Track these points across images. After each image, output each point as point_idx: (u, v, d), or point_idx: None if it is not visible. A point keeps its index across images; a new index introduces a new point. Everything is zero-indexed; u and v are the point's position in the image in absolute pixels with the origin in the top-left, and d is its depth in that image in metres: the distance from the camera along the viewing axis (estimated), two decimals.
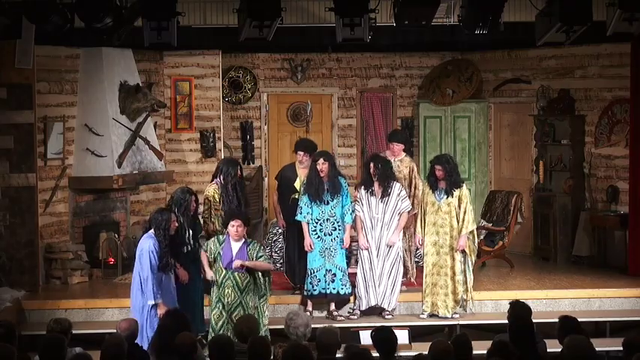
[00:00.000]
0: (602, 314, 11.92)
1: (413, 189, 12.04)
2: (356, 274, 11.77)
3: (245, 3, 10.09)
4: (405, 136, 12.66)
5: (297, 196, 11.78)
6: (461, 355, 7.34)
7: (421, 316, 11.74)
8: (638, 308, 12.02)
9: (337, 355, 7.66)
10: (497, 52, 15.48)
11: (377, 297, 11.62)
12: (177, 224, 10.47)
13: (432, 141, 15.81)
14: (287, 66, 15.97)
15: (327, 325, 9.42)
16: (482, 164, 15.73)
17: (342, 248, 11.59)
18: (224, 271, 10.31)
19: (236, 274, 10.28)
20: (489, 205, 14.31)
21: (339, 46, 12.92)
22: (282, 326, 8.68)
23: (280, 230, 12.82)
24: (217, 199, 11.44)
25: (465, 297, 11.68)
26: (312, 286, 11.55)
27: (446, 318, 11.63)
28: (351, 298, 11.81)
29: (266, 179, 15.83)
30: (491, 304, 12.04)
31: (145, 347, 8.75)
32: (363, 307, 11.67)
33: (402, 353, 8.98)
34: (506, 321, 8.29)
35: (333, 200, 11.51)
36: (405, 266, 12.01)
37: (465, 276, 11.67)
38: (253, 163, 15.82)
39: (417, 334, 11.01)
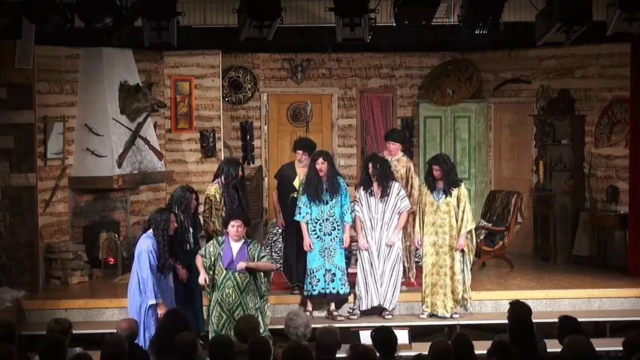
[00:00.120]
0: (602, 314, 11.92)
1: (409, 188, 12.03)
2: (356, 274, 11.77)
3: (245, 3, 10.09)
4: (402, 135, 12.63)
5: (296, 195, 11.78)
6: (461, 355, 7.34)
7: (421, 316, 11.74)
8: (638, 308, 12.02)
9: (340, 355, 7.65)
10: (497, 52, 15.48)
11: (379, 297, 11.62)
12: (176, 225, 10.46)
13: (432, 141, 15.81)
14: (287, 66, 15.97)
15: (327, 325, 9.43)
16: (482, 164, 15.73)
17: (341, 248, 11.59)
18: (224, 272, 10.28)
19: (237, 274, 10.27)
20: (489, 205, 14.31)
21: (339, 46, 12.92)
22: (282, 326, 8.68)
23: (280, 230, 12.82)
24: (218, 199, 11.45)
25: (464, 296, 11.68)
26: (312, 286, 11.55)
27: (446, 318, 11.63)
28: (350, 298, 11.80)
29: (266, 179, 15.83)
30: (491, 304, 12.04)
31: (146, 347, 8.75)
32: (364, 308, 11.67)
33: (402, 353, 8.97)
34: (506, 321, 8.29)
35: (332, 200, 11.51)
36: (403, 266, 12.00)
37: (464, 275, 11.67)
38: (253, 163, 15.83)
39: (417, 334, 11.01)
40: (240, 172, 11.51)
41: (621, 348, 7.65)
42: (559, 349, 7.52)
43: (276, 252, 13.10)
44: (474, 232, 11.87)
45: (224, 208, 11.46)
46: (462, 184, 11.80)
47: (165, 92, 14.86)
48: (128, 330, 8.18)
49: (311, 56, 15.93)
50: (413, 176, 12.16)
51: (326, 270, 11.53)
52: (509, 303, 8.41)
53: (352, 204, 11.67)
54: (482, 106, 15.72)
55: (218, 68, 15.06)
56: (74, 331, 8.55)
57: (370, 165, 11.59)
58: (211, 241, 10.54)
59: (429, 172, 11.66)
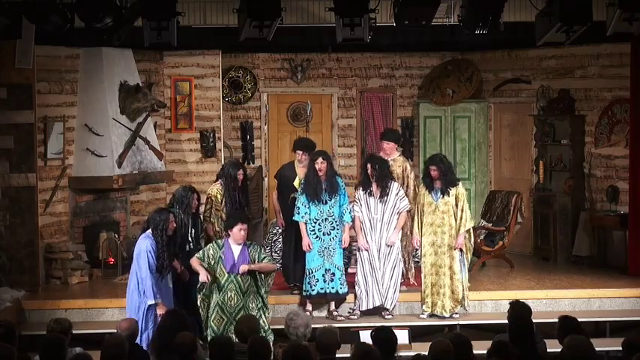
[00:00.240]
0: (602, 314, 11.92)
1: (405, 188, 12.02)
2: (356, 274, 11.76)
3: (245, 3, 10.09)
4: (396, 135, 12.57)
5: (296, 195, 11.77)
6: (460, 356, 7.34)
7: (421, 316, 11.74)
8: (638, 308, 12.02)
9: (344, 355, 7.65)
10: (497, 52, 15.48)
11: (381, 297, 11.62)
12: (175, 224, 10.47)
13: (432, 141, 15.81)
14: (287, 66, 15.97)
15: (327, 325, 9.42)
16: (482, 164, 15.73)
17: (340, 248, 11.59)
18: (226, 275, 10.27)
19: (239, 277, 10.26)
20: (489, 205, 14.31)
21: (339, 46, 12.92)
22: (282, 326, 8.68)
23: (280, 230, 12.82)
24: (219, 200, 11.48)
25: (464, 295, 11.69)
26: (311, 286, 11.54)
27: (446, 318, 11.63)
28: (350, 298, 11.80)
29: (266, 179, 15.83)
30: (491, 304, 12.04)
31: (145, 347, 8.75)
32: (364, 308, 11.66)
33: (402, 353, 8.98)
34: (506, 321, 8.29)
35: (331, 200, 11.51)
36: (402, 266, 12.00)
37: (462, 275, 11.68)
38: (253, 163, 15.82)
39: (417, 334, 11.01)
40: (239, 175, 11.49)
41: (621, 348, 7.65)
42: (559, 349, 7.51)
43: (276, 252, 13.10)
44: (472, 231, 11.88)
45: (224, 209, 11.48)
46: (460, 183, 11.81)
47: (165, 92, 14.86)
48: (128, 330, 8.18)
49: (311, 56, 15.93)
50: (409, 176, 12.15)
51: (325, 270, 11.53)
52: (509, 303, 8.40)
53: (351, 204, 11.67)
54: (482, 106, 15.72)
55: (218, 68, 15.06)
56: (74, 331, 8.55)
57: (369, 166, 11.59)
58: (211, 244, 10.51)
59: (427, 172, 11.67)
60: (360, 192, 11.66)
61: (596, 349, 7.63)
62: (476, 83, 15.69)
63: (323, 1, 11.30)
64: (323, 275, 11.53)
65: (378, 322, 10.82)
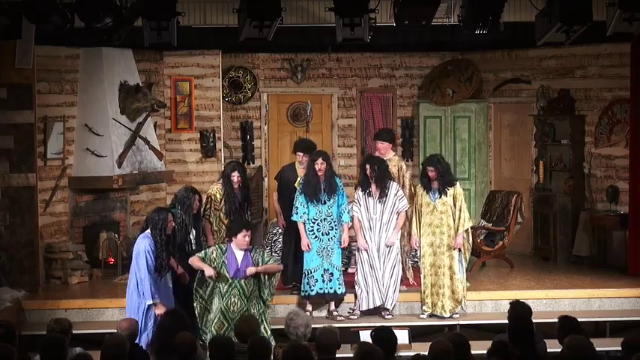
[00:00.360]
0: (602, 314, 11.92)
1: (401, 187, 12.01)
2: (355, 274, 11.76)
3: (245, 3, 10.09)
4: (390, 134, 12.51)
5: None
6: (458, 356, 7.34)
7: (421, 316, 11.74)
8: (638, 308, 12.02)
9: (344, 355, 7.65)
10: (497, 52, 15.48)
11: (381, 297, 11.62)
12: (174, 224, 10.47)
13: (432, 141, 15.81)
14: (287, 66, 15.97)
15: (327, 325, 9.43)
16: (482, 164, 15.73)
17: (339, 248, 11.59)
18: (230, 281, 10.24)
19: (243, 282, 10.22)
20: (489, 205, 14.31)
21: (339, 46, 12.92)
22: (282, 326, 8.68)
23: (280, 230, 12.83)
24: (218, 199, 11.50)
25: (463, 295, 11.69)
26: (310, 287, 11.54)
27: (446, 318, 11.62)
28: (350, 298, 11.80)
29: (266, 179, 15.84)
30: (491, 304, 12.04)
31: (144, 347, 8.75)
32: (365, 308, 11.66)
33: (402, 353, 8.98)
34: (507, 321, 8.28)
35: (329, 200, 11.51)
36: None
37: (461, 274, 11.69)
38: (253, 163, 15.82)
39: (417, 334, 11.01)
40: (233, 176, 11.47)
41: (620, 348, 7.65)
42: (559, 349, 7.51)
43: (276, 252, 13.10)
44: (470, 231, 11.87)
45: (223, 209, 11.49)
46: (458, 183, 11.81)
47: (165, 92, 14.86)
48: (129, 330, 8.18)
49: (311, 56, 15.93)
50: (405, 175, 12.13)
51: (324, 270, 11.53)
52: (510, 303, 8.40)
53: (351, 204, 11.68)
54: (482, 106, 15.72)
55: (218, 68, 15.06)
56: (74, 331, 8.55)
57: (368, 166, 11.58)
58: (214, 248, 10.45)
59: (424, 173, 11.66)
60: (359, 192, 11.66)
61: (596, 349, 7.62)
62: (476, 83, 15.69)
63: (323, 1, 11.30)
64: (322, 275, 11.53)
65: (378, 322, 10.82)
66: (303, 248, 11.55)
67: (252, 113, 15.99)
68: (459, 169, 15.65)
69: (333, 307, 11.72)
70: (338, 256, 11.62)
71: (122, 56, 13.74)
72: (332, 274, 11.56)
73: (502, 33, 10.34)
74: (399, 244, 11.74)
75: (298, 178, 11.89)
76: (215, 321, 10.23)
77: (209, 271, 10.20)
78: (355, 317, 11.68)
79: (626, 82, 13.31)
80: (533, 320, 8.27)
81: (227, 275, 10.21)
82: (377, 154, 12.08)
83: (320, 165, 11.44)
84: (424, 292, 11.70)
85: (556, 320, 8.18)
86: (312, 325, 8.55)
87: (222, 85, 15.36)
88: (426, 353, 7.37)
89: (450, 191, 11.60)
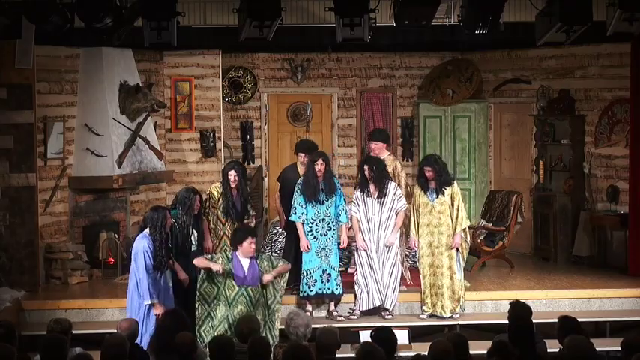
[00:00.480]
0: (602, 314, 11.92)
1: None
2: (355, 274, 11.76)
3: (245, 3, 10.09)
4: (384, 135, 12.47)
5: None
6: (459, 355, 7.34)
7: (421, 316, 11.74)
8: (638, 308, 12.02)
9: (344, 355, 7.64)
10: (497, 52, 15.48)
11: (381, 297, 11.62)
12: (172, 221, 10.47)
13: (432, 141, 15.81)
14: (287, 66, 15.98)
15: (327, 325, 9.43)
16: (482, 164, 15.73)
17: (336, 248, 11.59)
18: (236, 288, 10.19)
19: (250, 289, 10.18)
20: (489, 205, 14.30)
21: (339, 46, 12.92)
22: (282, 326, 8.67)
23: (280, 230, 12.83)
24: (216, 197, 11.53)
25: (461, 295, 11.69)
26: (309, 287, 11.54)
27: (446, 318, 11.62)
28: (350, 298, 11.80)
29: (266, 179, 15.84)
30: (491, 304, 12.04)
31: (145, 347, 8.74)
32: (365, 308, 11.66)
33: (402, 353, 8.97)
34: (507, 321, 8.28)
35: (328, 200, 11.51)
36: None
37: (460, 274, 11.69)
38: (253, 163, 15.82)
39: (417, 334, 11.00)
40: (229, 175, 11.47)
41: (620, 348, 7.65)
42: (559, 349, 7.51)
43: (276, 252, 13.10)
44: (468, 230, 11.86)
45: (221, 207, 11.49)
46: (455, 182, 11.81)
47: (165, 92, 14.86)
48: (129, 330, 8.18)
49: (311, 56, 15.93)
50: (400, 174, 12.12)
51: (322, 270, 11.53)
52: (510, 303, 8.40)
53: (349, 205, 11.68)
54: (482, 106, 15.72)
55: (218, 68, 15.06)
56: (74, 331, 8.54)
57: (366, 167, 11.58)
58: (220, 254, 10.42)
59: (421, 173, 11.65)
60: (358, 193, 11.66)
61: (596, 349, 7.62)
62: (476, 83, 15.69)
63: (323, 1, 11.30)
64: (320, 276, 11.53)
65: (378, 322, 10.82)
66: (301, 248, 11.55)
67: (252, 113, 15.99)
68: (459, 169, 15.66)
69: (333, 307, 11.72)
70: (336, 257, 11.62)
71: (122, 56, 13.74)
72: (330, 274, 11.56)
73: (502, 33, 10.34)
74: (398, 243, 11.74)
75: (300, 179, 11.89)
76: (219, 327, 10.15)
77: (216, 267, 10.11)
78: (355, 317, 11.68)
79: (626, 82, 13.31)
80: (533, 320, 8.27)
81: (234, 283, 10.18)
82: (371, 154, 12.08)
83: (320, 166, 11.44)
84: (424, 293, 11.70)
85: (556, 320, 8.18)
86: (312, 325, 8.55)
87: (222, 85, 15.36)
88: (426, 353, 7.37)
89: (448, 191, 11.60)
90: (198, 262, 10.32)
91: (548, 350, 8.27)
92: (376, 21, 10.27)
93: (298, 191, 11.56)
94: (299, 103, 15.97)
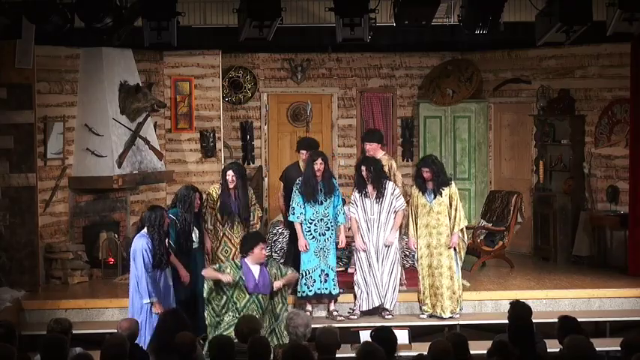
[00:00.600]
0: (602, 314, 11.92)
1: None
2: (355, 274, 11.76)
3: (245, 3, 10.09)
4: (378, 135, 12.42)
5: None
6: (459, 355, 7.34)
7: (421, 316, 11.73)
8: (638, 308, 12.02)
9: (344, 355, 7.64)
10: (497, 52, 15.48)
11: (380, 297, 11.61)
12: (169, 220, 10.48)
13: (432, 141, 15.81)
14: (287, 66, 15.98)
15: (326, 325, 9.42)
16: (482, 164, 15.73)
17: (334, 248, 11.58)
18: (247, 296, 10.13)
19: (260, 296, 10.13)
20: (489, 205, 14.31)
21: (339, 46, 12.92)
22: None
23: (280, 230, 12.83)
24: (214, 198, 11.52)
25: (460, 294, 11.69)
26: (308, 288, 11.52)
27: (446, 318, 11.62)
28: (350, 298, 11.80)
29: (266, 179, 15.84)
30: (491, 304, 12.04)
31: (146, 348, 8.74)
32: (365, 308, 11.66)
33: (402, 353, 8.98)
34: (507, 321, 8.28)
35: (326, 200, 11.51)
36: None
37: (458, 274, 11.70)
38: (253, 163, 15.83)
39: (417, 334, 11.00)
40: (228, 175, 11.46)
41: (620, 348, 7.65)
42: (559, 349, 7.51)
43: (276, 252, 13.09)
44: (465, 230, 11.86)
45: (218, 208, 11.48)
46: (453, 182, 11.80)
47: (165, 92, 14.86)
48: (129, 330, 8.18)
49: (311, 56, 15.93)
50: (395, 174, 12.11)
51: (321, 271, 11.53)
52: (510, 303, 8.40)
53: (347, 205, 11.67)
54: (482, 106, 15.72)
55: (218, 68, 15.07)
56: (74, 331, 8.54)
57: (364, 168, 11.57)
58: (228, 264, 10.35)
59: (419, 174, 11.64)
60: (356, 194, 11.65)
61: (596, 349, 7.62)
62: (476, 83, 15.69)
63: (323, 1, 11.30)
64: (319, 276, 11.53)
65: (378, 322, 10.81)
66: (300, 249, 11.54)
67: (252, 113, 15.99)
68: (459, 169, 15.66)
69: (333, 307, 11.72)
70: (333, 257, 11.62)
71: (122, 56, 13.74)
72: (327, 274, 11.56)
73: (502, 33, 10.34)
74: (397, 243, 11.73)
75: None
76: (225, 334, 10.09)
77: (226, 278, 10.05)
78: (355, 317, 11.68)
79: (626, 82, 13.31)
80: (533, 320, 8.27)
81: (244, 291, 10.15)
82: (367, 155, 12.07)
83: (319, 165, 11.44)
84: (423, 294, 11.69)
85: (556, 320, 8.18)
86: (312, 325, 8.54)
87: (222, 85, 15.36)
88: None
89: (446, 191, 11.59)
90: (207, 273, 10.26)
91: (548, 350, 8.27)
92: (376, 21, 10.27)
93: (297, 191, 11.55)
94: (299, 103, 15.97)
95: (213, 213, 11.53)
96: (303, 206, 11.48)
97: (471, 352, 7.62)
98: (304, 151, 11.91)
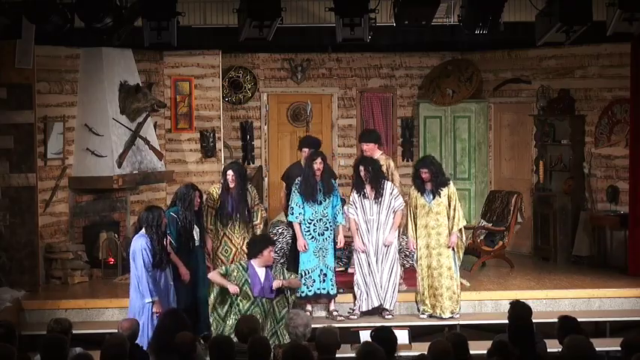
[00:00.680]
0: (602, 314, 11.92)
1: None
2: (354, 274, 11.76)
3: (245, 3, 10.09)
4: (374, 135, 12.40)
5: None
6: (459, 355, 7.34)
7: (421, 316, 11.73)
8: (638, 308, 12.02)
9: (344, 355, 7.63)
10: (497, 52, 15.48)
11: (379, 298, 11.61)
12: (167, 220, 10.48)
13: (432, 141, 15.81)
14: (287, 66, 15.98)
15: (327, 325, 9.42)
16: (482, 164, 15.73)
17: (333, 248, 11.58)
18: (253, 299, 10.18)
19: (264, 300, 10.17)
20: (489, 205, 14.31)
21: (339, 46, 12.92)
22: None
23: (280, 230, 12.83)
24: (215, 197, 11.52)
25: (458, 294, 11.69)
26: (307, 288, 11.52)
27: (446, 318, 11.62)
28: (349, 298, 11.80)
29: (266, 179, 15.84)
30: (491, 304, 12.03)
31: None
32: (364, 309, 11.66)
33: (402, 353, 8.98)
34: (507, 321, 8.28)
35: (325, 200, 11.51)
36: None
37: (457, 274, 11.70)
38: (253, 163, 15.82)
39: (417, 334, 11.00)
40: (228, 174, 11.46)
41: (620, 348, 7.65)
42: (559, 349, 7.51)
43: (276, 252, 13.07)
44: (464, 230, 11.85)
45: (217, 207, 11.49)
46: (451, 182, 11.80)
47: (165, 92, 14.86)
48: (130, 330, 8.18)
49: (311, 56, 15.93)
50: (393, 173, 12.11)
51: (320, 270, 11.53)
52: (510, 303, 8.40)
53: (346, 206, 11.66)
54: (482, 106, 15.72)
55: (218, 68, 15.06)
56: (74, 331, 8.54)
57: (362, 168, 11.56)
58: (235, 266, 10.38)
59: (417, 175, 11.64)
60: (354, 195, 11.65)
61: (596, 349, 7.62)
62: (476, 83, 15.69)
63: (323, 1, 11.30)
64: (319, 276, 11.53)
65: (378, 322, 10.81)
66: (299, 249, 11.54)
67: (252, 113, 15.99)
68: (459, 169, 15.66)
69: (333, 306, 11.72)
70: (331, 257, 11.61)
71: (122, 56, 13.74)
72: (326, 274, 11.55)
73: (502, 33, 10.34)
74: (396, 243, 11.73)
75: None
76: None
77: (233, 289, 10.12)
78: (355, 317, 11.68)
79: (626, 82, 13.31)
80: (533, 320, 8.27)
81: (250, 293, 10.15)
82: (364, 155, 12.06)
83: (319, 165, 11.44)
84: (423, 294, 11.68)
85: (556, 320, 8.18)
86: (312, 325, 8.55)
87: (222, 85, 15.36)
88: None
89: (444, 191, 11.58)
90: (213, 277, 10.31)
91: (548, 350, 8.28)
92: (376, 21, 10.27)
93: (296, 191, 11.55)
94: (299, 103, 15.97)
95: (214, 212, 11.53)
96: (302, 206, 11.48)
97: (471, 352, 7.62)
98: (307, 150, 11.90)
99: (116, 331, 8.35)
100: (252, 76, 15.87)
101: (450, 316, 11.62)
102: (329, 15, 10.20)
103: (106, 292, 12.49)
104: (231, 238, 11.49)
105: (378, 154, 12.05)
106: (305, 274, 11.51)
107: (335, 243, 11.64)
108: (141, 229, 10.33)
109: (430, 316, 11.68)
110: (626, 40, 12.64)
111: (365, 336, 9.85)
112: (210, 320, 10.33)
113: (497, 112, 15.69)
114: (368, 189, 11.58)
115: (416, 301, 11.76)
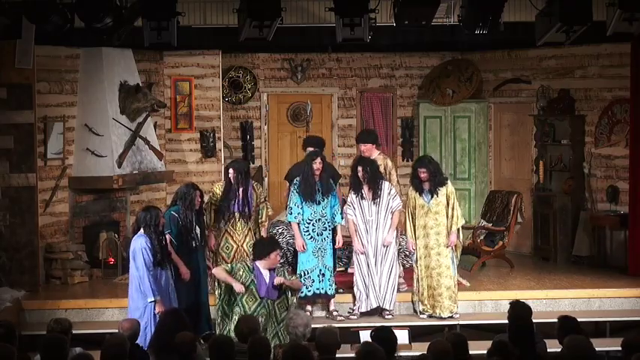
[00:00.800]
0: (602, 314, 11.92)
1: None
2: (354, 274, 11.76)
3: (245, 3, 10.09)
4: (372, 135, 12.38)
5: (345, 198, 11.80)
6: (459, 355, 7.34)
7: (421, 316, 11.73)
8: (638, 308, 12.02)
9: (344, 355, 7.63)
10: (497, 52, 15.48)
11: (378, 299, 11.61)
12: (164, 220, 10.48)
13: (432, 141, 15.81)
14: (287, 66, 15.98)
15: (327, 325, 9.42)
16: (482, 164, 15.73)
17: (331, 248, 11.57)
18: (258, 300, 10.16)
19: (269, 301, 10.18)
20: (489, 205, 14.30)
21: (339, 46, 12.92)
22: None
23: (281, 230, 12.82)
24: (217, 194, 11.53)
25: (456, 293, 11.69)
26: (307, 288, 11.50)
27: (445, 318, 11.62)
28: (349, 298, 11.80)
29: (266, 179, 15.84)
30: (491, 304, 12.03)
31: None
32: (364, 310, 11.66)
33: (402, 353, 8.98)
34: (507, 321, 8.28)
35: (324, 200, 11.51)
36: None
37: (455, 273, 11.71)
38: (253, 163, 15.82)
39: (417, 334, 11.00)
40: (230, 172, 11.47)
41: (620, 348, 7.65)
42: (559, 349, 7.51)
43: None
44: (461, 229, 11.85)
45: (219, 204, 11.50)
46: (449, 181, 11.80)
47: (165, 92, 14.86)
48: (130, 330, 8.18)
49: (311, 56, 15.93)
50: (391, 172, 12.11)
51: (319, 271, 11.52)
52: (509, 303, 8.40)
53: (345, 206, 11.67)
54: (482, 106, 15.72)
55: (218, 68, 15.06)
56: (74, 331, 8.54)
57: (360, 168, 11.56)
58: (240, 265, 10.35)
59: (415, 174, 11.63)
60: (352, 196, 11.64)
61: (596, 349, 7.62)
62: (476, 83, 15.69)
63: (323, 1, 11.30)
64: (318, 276, 11.53)
65: (378, 322, 10.81)
66: (297, 249, 11.53)
67: (252, 113, 15.99)
68: (459, 169, 15.66)
69: (333, 306, 11.72)
70: (330, 257, 11.61)
71: (122, 56, 13.75)
72: (324, 274, 11.55)
73: (502, 33, 10.34)
74: (395, 243, 11.73)
75: None
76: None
77: (239, 287, 10.10)
78: (355, 317, 11.68)
79: (626, 82, 13.31)
80: (533, 320, 8.27)
81: (257, 294, 10.16)
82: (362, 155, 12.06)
83: (318, 164, 11.44)
84: (422, 295, 11.68)
85: (556, 320, 8.18)
86: (312, 325, 8.54)
87: (222, 85, 15.36)
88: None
89: (443, 191, 11.58)
90: (218, 273, 10.29)
91: (548, 350, 8.27)
92: (376, 21, 10.26)
93: (295, 191, 11.54)
94: (299, 103, 15.97)
95: (213, 208, 11.53)
96: (300, 206, 11.48)
97: (471, 352, 7.62)
98: (311, 149, 11.90)
99: (116, 331, 8.35)
100: (252, 76, 15.87)
101: (450, 315, 11.62)
102: (329, 15, 10.20)
103: (106, 292, 12.49)
104: (233, 235, 11.49)
105: (375, 154, 12.05)
106: (304, 274, 11.51)
107: (334, 243, 11.64)
108: (139, 229, 10.32)
109: (430, 316, 11.68)
110: (626, 40, 12.64)
111: (365, 336, 9.85)
112: (217, 318, 10.30)
113: (497, 112, 15.69)
114: (366, 190, 11.58)
115: (412, 301, 11.76)
